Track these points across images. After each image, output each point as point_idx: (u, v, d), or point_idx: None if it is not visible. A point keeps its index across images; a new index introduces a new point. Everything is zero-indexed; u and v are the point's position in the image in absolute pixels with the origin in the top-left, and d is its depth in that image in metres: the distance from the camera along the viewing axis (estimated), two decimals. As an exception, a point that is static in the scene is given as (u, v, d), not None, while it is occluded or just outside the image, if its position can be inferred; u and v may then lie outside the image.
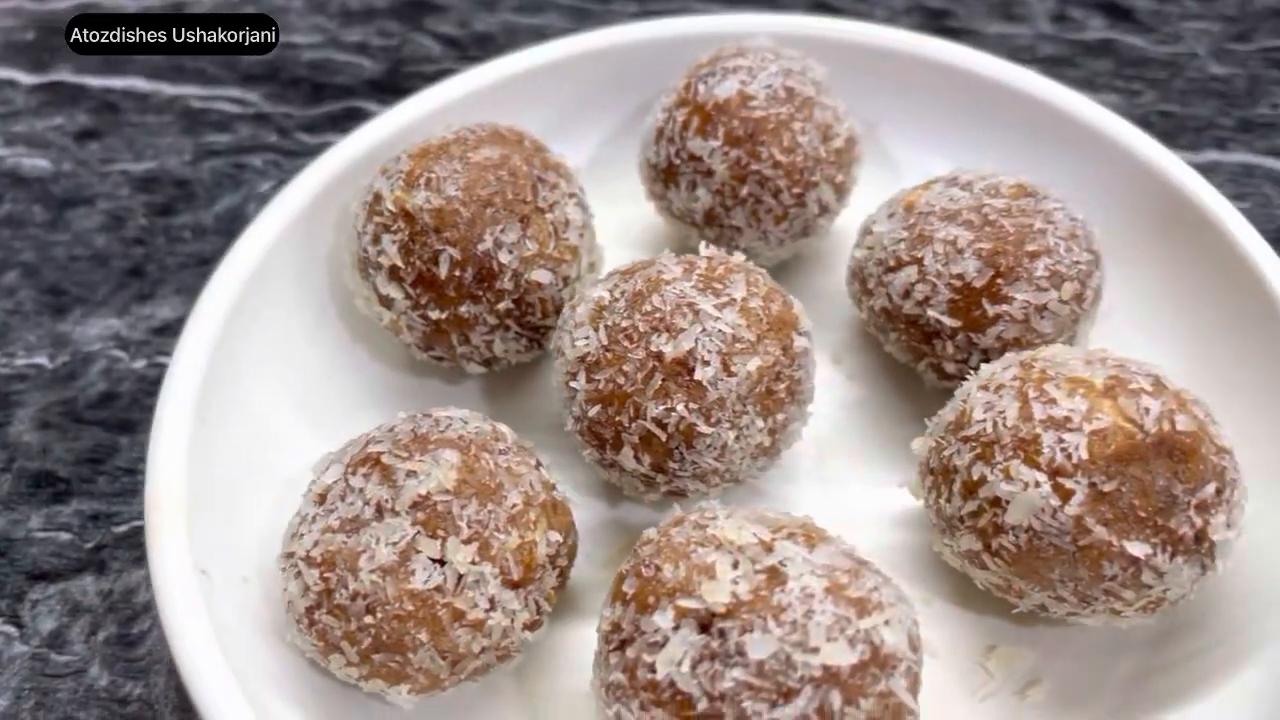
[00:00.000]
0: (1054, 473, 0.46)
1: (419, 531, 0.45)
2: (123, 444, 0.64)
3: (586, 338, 0.51)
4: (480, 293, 0.55)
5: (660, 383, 0.49)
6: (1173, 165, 0.64)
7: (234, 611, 0.50)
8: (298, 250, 0.62)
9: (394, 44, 0.88)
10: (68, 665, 0.55)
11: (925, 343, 0.57)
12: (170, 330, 0.69)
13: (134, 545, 0.60)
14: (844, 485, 0.58)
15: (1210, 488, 0.46)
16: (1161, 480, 0.46)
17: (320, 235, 0.63)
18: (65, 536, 0.60)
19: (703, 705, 0.40)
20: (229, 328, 0.57)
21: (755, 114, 0.59)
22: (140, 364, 0.68)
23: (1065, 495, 0.46)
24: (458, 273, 0.55)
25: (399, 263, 0.55)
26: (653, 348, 0.49)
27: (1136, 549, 0.45)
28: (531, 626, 0.48)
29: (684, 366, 0.49)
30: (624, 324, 0.50)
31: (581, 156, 0.68)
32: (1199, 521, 0.46)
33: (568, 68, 0.70)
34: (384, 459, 0.47)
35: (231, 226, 0.74)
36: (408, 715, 0.50)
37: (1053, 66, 0.83)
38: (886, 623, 0.42)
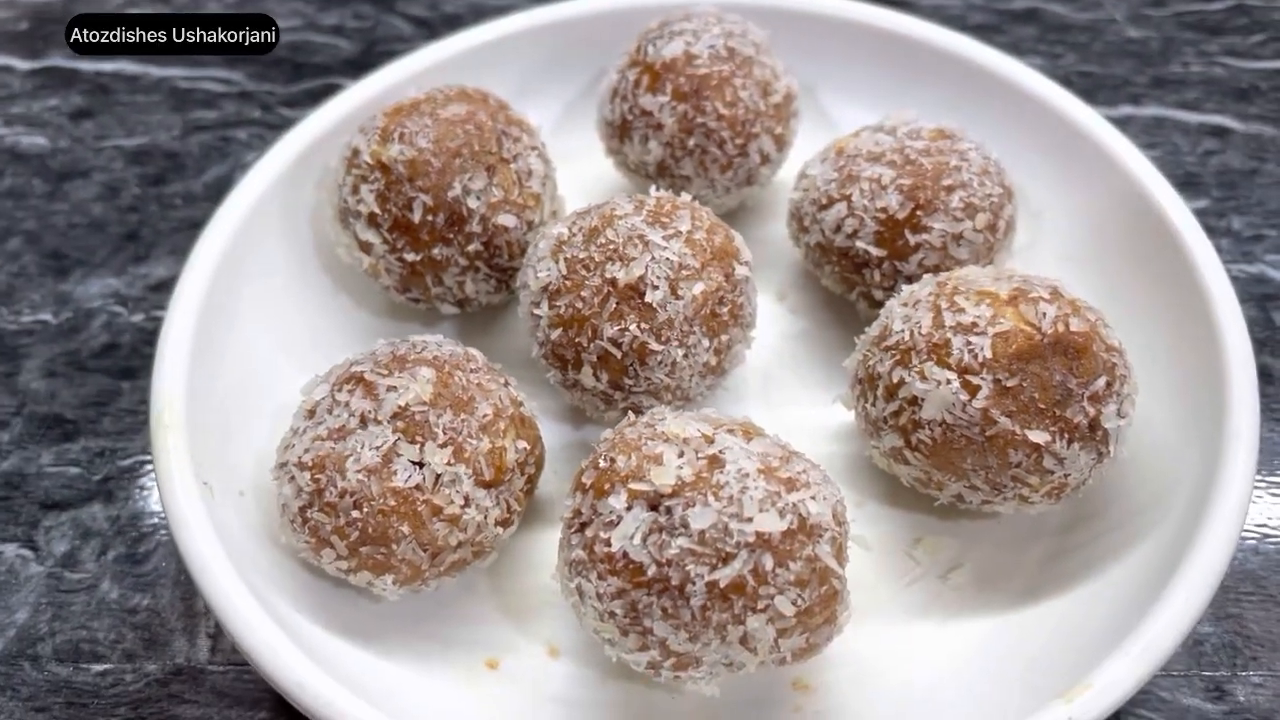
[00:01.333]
0: (962, 371, 0.52)
1: (399, 438, 0.51)
2: (124, 389, 0.70)
3: (548, 269, 0.57)
4: (451, 235, 0.61)
5: (615, 306, 0.55)
6: (1082, 113, 0.69)
7: (231, 520, 0.55)
8: (281, 207, 0.67)
9: (368, 25, 0.94)
10: (80, 582, 0.61)
11: (856, 272, 0.62)
12: (165, 288, 0.74)
13: (138, 476, 0.66)
14: (785, 404, 0.64)
15: (1101, 381, 0.52)
16: (1058, 375, 0.51)
17: (300, 194, 0.68)
18: (74, 470, 0.66)
19: (652, 571, 0.46)
20: (220, 276, 0.62)
21: (700, 71, 0.65)
22: (139, 318, 0.74)
23: (972, 390, 0.51)
24: (430, 218, 0.60)
25: (376, 210, 0.61)
26: (607, 275, 0.55)
27: (1037, 436, 0.51)
28: (503, 524, 0.54)
29: (635, 291, 0.55)
30: (581, 255, 0.56)
31: (544, 119, 0.73)
32: (1091, 411, 0.52)
33: (529, 38, 0.75)
34: (366, 376, 0.53)
35: (220, 194, 0.75)
36: (392, 609, 0.55)
37: (981, 33, 0.89)
38: (813, 498, 0.47)
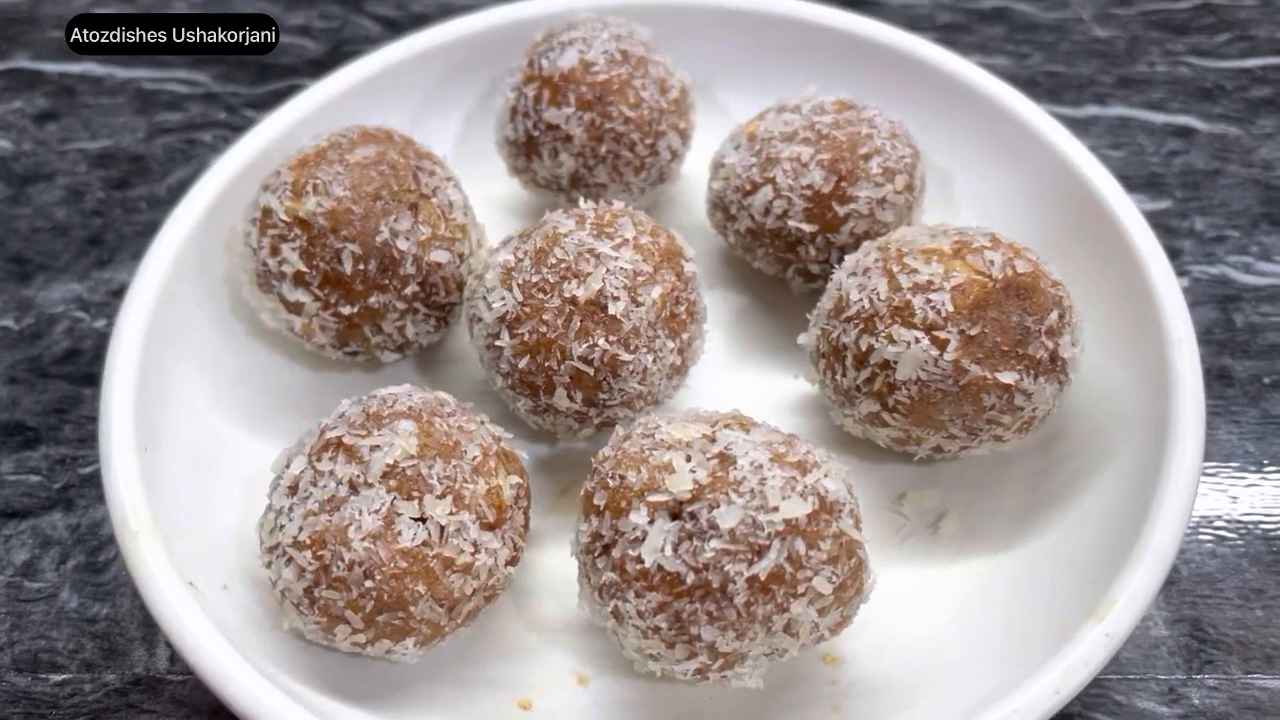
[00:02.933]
0: (928, 328, 0.54)
1: (395, 497, 0.49)
2: (86, 395, 0.70)
3: (502, 298, 0.56)
4: (386, 281, 0.59)
5: (580, 324, 0.54)
6: (975, 74, 0.72)
7: (226, 613, 0.52)
8: (195, 276, 0.64)
9: (335, 26, 0.94)
10: (40, 591, 0.61)
11: (790, 251, 0.64)
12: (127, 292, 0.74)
13: (99, 484, 0.61)
14: (746, 390, 0.64)
15: (1054, 315, 0.55)
16: (1014, 317, 0.54)
17: (212, 259, 0.65)
18: (35, 479, 0.66)
19: (691, 578, 0.46)
20: (148, 354, 0.59)
21: (599, 78, 0.65)
22: (101, 323, 0.74)
23: (941, 345, 0.53)
24: (361, 266, 0.58)
25: (303, 268, 0.58)
26: (566, 294, 0.54)
27: (1007, 377, 0.54)
28: (512, 562, 0.52)
29: (597, 305, 0.54)
30: (534, 279, 0.55)
31: (444, 145, 0.72)
32: (1050, 344, 0.54)
33: (415, 64, 0.74)
34: (345, 440, 0.51)
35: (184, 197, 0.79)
36: (408, 668, 0.53)
37: (949, 33, 0.89)
38: (826, 475, 0.48)
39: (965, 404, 0.54)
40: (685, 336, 0.58)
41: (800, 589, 0.47)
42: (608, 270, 0.55)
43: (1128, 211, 0.63)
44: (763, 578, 0.46)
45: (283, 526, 0.50)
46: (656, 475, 0.48)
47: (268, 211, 0.59)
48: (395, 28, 0.93)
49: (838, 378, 0.58)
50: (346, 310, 0.59)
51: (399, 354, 0.63)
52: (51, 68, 0.90)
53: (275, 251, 0.59)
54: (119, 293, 0.74)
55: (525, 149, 0.67)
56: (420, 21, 0.90)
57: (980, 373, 0.54)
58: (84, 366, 0.71)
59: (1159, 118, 0.84)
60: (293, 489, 0.51)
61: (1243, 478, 0.65)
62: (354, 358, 0.63)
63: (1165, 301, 0.58)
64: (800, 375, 0.62)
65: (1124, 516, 0.53)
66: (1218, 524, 0.63)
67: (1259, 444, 0.66)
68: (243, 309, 0.65)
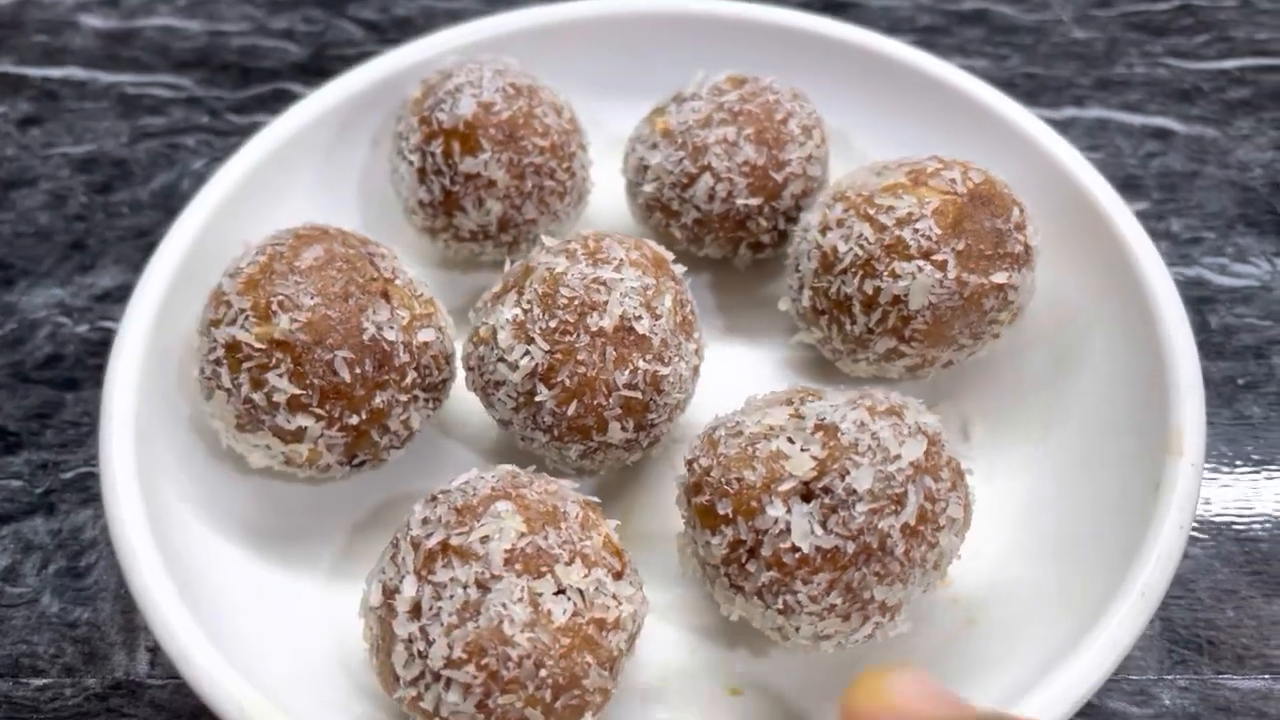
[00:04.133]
0: (926, 255, 0.57)
1: (528, 578, 0.47)
2: (68, 400, 0.70)
3: (525, 353, 0.54)
4: (386, 377, 0.56)
5: (615, 352, 0.54)
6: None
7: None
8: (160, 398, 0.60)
9: (318, 29, 0.93)
10: (20, 596, 0.62)
11: (739, 229, 0.65)
12: (111, 297, 0.75)
13: (80, 489, 0.66)
14: (744, 370, 0.66)
15: (1015, 211, 0.59)
16: (987, 222, 0.58)
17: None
18: (16, 484, 0.66)
19: (851, 548, 0.47)
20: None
21: (504, 116, 0.63)
22: (83, 328, 0.74)
23: (941, 266, 0.57)
24: (359, 370, 0.55)
25: (297, 390, 0.54)
26: (592, 328, 0.54)
27: (999, 277, 0.58)
28: (643, 603, 0.51)
29: (625, 329, 0.54)
30: (553, 324, 0.54)
31: (351, 223, 0.68)
32: (1020, 238, 0.59)
33: (298, 145, 0.69)
34: (451, 542, 0.48)
35: (167, 202, 0.81)
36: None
37: (929, 34, 0.91)
38: (917, 411, 0.51)
39: (970, 313, 0.58)
40: (696, 335, 0.59)
41: (941, 521, 0.49)
42: (621, 294, 0.54)
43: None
44: (912, 522, 0.48)
45: (423, 653, 0.46)
46: (773, 465, 0.49)
47: (234, 346, 0.54)
48: (378, 31, 0.93)
49: (846, 328, 0.60)
50: (354, 420, 0.55)
51: (402, 449, 0.60)
52: (35, 72, 0.90)
53: (258, 384, 0.54)
54: (101, 298, 0.75)
55: (444, 207, 0.65)
56: (403, 24, 0.94)
57: (979, 280, 0.58)
58: (65, 371, 0.71)
59: (1137, 119, 0.85)
60: (414, 611, 0.47)
61: (1215, 478, 0.65)
62: (360, 469, 0.59)
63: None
64: (794, 341, 0.64)
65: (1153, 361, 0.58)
66: (1191, 528, 0.64)
67: (1231, 445, 0.67)
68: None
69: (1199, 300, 0.73)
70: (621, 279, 0.55)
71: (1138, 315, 0.60)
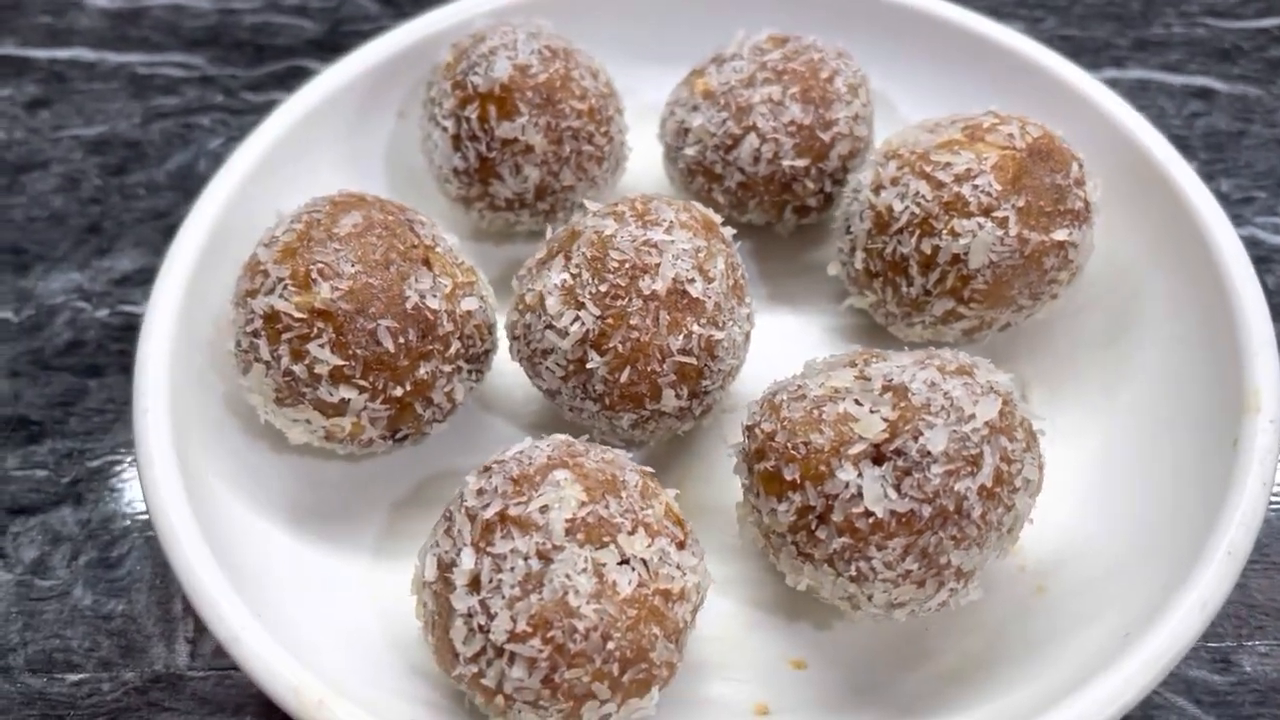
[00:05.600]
0: (986, 212, 0.55)
1: (592, 549, 0.45)
2: (91, 387, 0.68)
3: (575, 319, 0.52)
4: (430, 347, 0.54)
5: (669, 317, 0.52)
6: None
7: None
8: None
9: (332, 5, 0.92)
10: (51, 589, 0.60)
11: (785, 192, 0.63)
12: (130, 280, 0.73)
13: (108, 478, 0.64)
14: (790, 336, 0.64)
15: (1074, 166, 0.57)
16: (1047, 178, 0.56)
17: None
18: (41, 474, 0.64)
19: (927, 511, 0.45)
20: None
21: (540, 78, 0.61)
22: (103, 313, 0.72)
23: (1002, 223, 0.55)
24: (402, 339, 0.53)
25: (339, 361, 0.52)
26: (645, 291, 0.52)
27: (1060, 234, 0.56)
28: (706, 574, 0.50)
29: (678, 293, 0.52)
30: (603, 289, 0.52)
31: (380, 191, 0.66)
32: (1081, 194, 0.57)
33: (322, 116, 0.67)
34: (509, 512, 0.46)
35: (184, 183, 0.79)
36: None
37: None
38: (987, 371, 0.49)
39: (1031, 272, 0.56)
40: (748, 300, 0.57)
41: (1017, 483, 0.47)
42: (673, 256, 0.52)
43: (1174, 162, 0.62)
44: (989, 484, 0.46)
45: (484, 627, 0.44)
46: (841, 428, 0.47)
47: (273, 316, 0.52)
48: (394, 5, 0.91)
49: (902, 290, 0.58)
50: (398, 392, 0.53)
51: (444, 423, 0.58)
52: (40, 54, 0.88)
53: (299, 355, 0.52)
54: (120, 281, 0.73)
55: (480, 174, 0.63)
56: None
57: (1040, 238, 0.56)
58: (87, 357, 0.69)
59: (1178, 79, 0.83)
60: (474, 585, 0.45)
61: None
62: (401, 443, 0.57)
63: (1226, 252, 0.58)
64: (846, 305, 0.62)
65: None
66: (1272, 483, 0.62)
67: None
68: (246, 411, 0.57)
69: (1254, 261, 0.67)
70: (673, 241, 0.53)
71: (1202, 271, 0.58)
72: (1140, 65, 0.84)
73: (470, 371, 0.57)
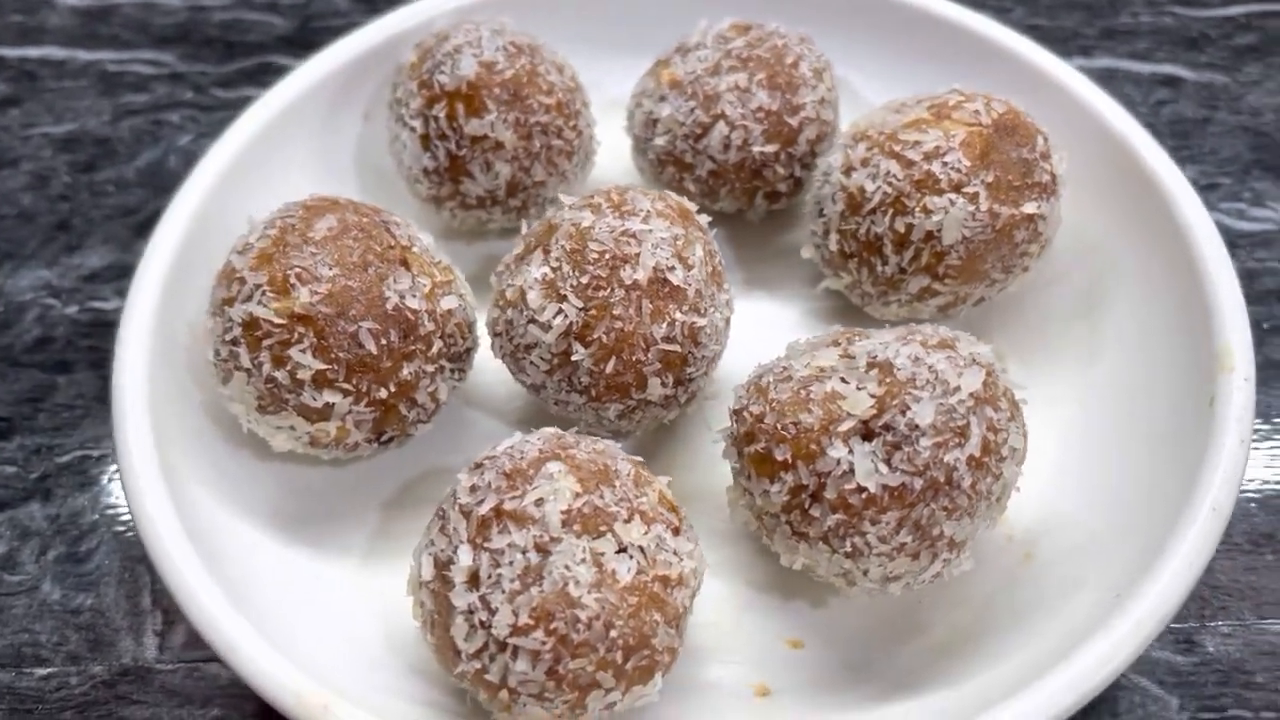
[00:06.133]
0: (957, 188, 0.56)
1: (588, 539, 0.45)
2: (60, 383, 0.68)
3: (559, 312, 0.52)
4: (412, 347, 0.53)
5: (651, 305, 0.52)
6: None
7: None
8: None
9: (303, 1, 0.92)
10: (20, 584, 0.60)
11: (755, 179, 0.64)
12: (99, 277, 0.74)
13: (77, 473, 0.65)
14: (767, 321, 0.64)
15: (1040, 140, 0.58)
16: (1014, 153, 0.57)
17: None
18: (10, 469, 0.65)
19: (919, 484, 0.46)
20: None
21: (507, 75, 0.61)
22: (72, 309, 0.72)
23: (973, 198, 0.56)
24: (384, 341, 0.52)
25: (322, 365, 0.51)
26: (626, 281, 0.52)
27: (1029, 208, 0.57)
28: (702, 559, 0.50)
29: (659, 281, 0.52)
30: (584, 280, 0.52)
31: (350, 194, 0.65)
32: (1047, 168, 0.58)
33: (288, 118, 0.67)
34: (505, 507, 0.46)
35: (154, 180, 0.79)
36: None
37: None
38: (968, 343, 0.50)
39: (1002, 246, 0.57)
40: (726, 286, 0.57)
41: (1004, 451, 0.48)
42: (652, 245, 0.52)
43: (1133, 130, 0.64)
44: (977, 454, 0.46)
45: (485, 623, 0.44)
46: (830, 406, 0.47)
47: (252, 323, 0.52)
48: (365, 1, 0.91)
49: (877, 270, 0.59)
50: (382, 394, 0.53)
51: (429, 423, 0.58)
52: (10, 52, 0.88)
53: (280, 361, 0.51)
54: (89, 278, 0.74)
55: (450, 173, 0.62)
56: None
57: (1010, 212, 0.56)
58: (56, 354, 0.70)
59: (1145, 68, 0.84)
60: (472, 581, 0.45)
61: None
62: (386, 446, 0.57)
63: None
64: (822, 287, 0.63)
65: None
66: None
67: (1262, 390, 0.64)
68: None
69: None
70: (650, 230, 0.53)
71: (1168, 237, 0.59)
72: (1108, 54, 0.85)
73: (453, 370, 0.57)
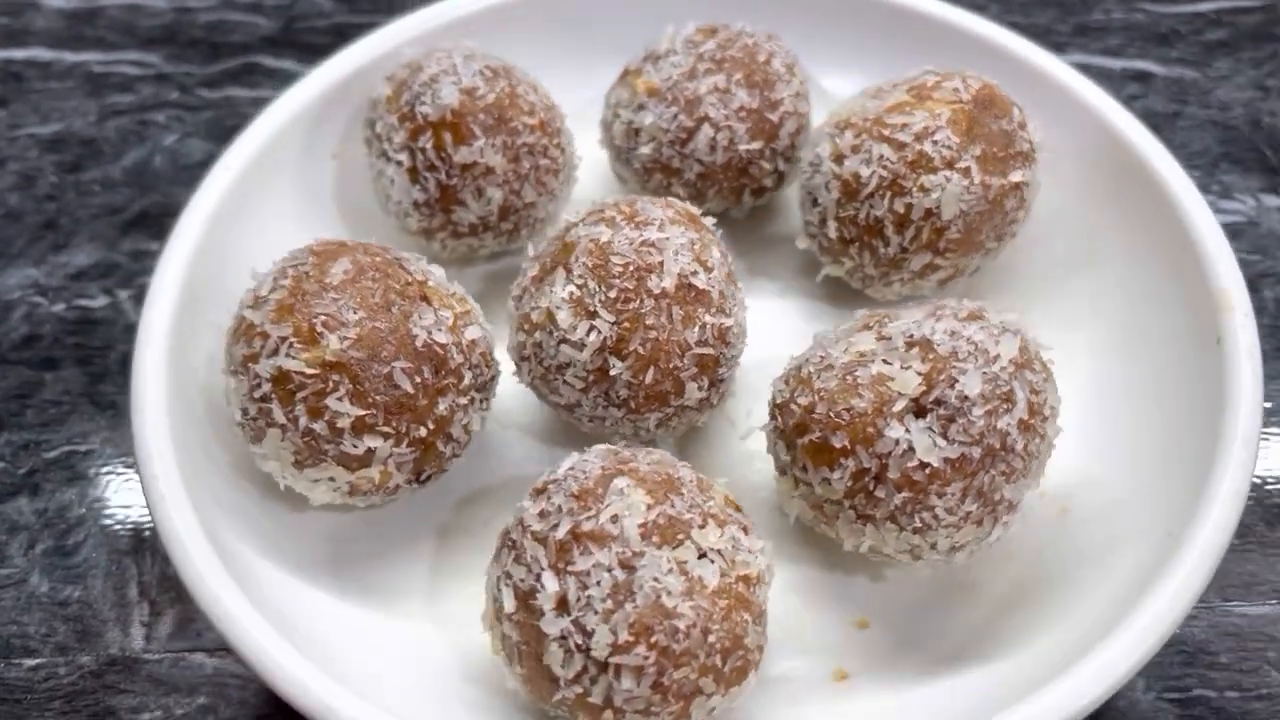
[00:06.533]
0: (950, 165, 0.58)
1: (668, 547, 0.45)
2: (47, 380, 0.70)
3: (591, 329, 0.52)
4: (446, 382, 0.53)
5: (682, 312, 0.52)
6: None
7: None
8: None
9: (287, 2, 0.93)
10: (9, 577, 0.61)
11: (744, 176, 0.65)
12: (85, 275, 0.75)
13: (64, 468, 0.66)
14: (769, 313, 0.65)
15: (1015, 111, 0.61)
16: (994, 125, 0.59)
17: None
18: None
19: (977, 453, 0.47)
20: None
21: (490, 99, 0.61)
22: (59, 307, 0.73)
23: (966, 173, 0.58)
24: (418, 379, 0.52)
25: (361, 411, 0.50)
26: (654, 291, 0.52)
27: (1017, 176, 0.59)
28: (772, 554, 0.50)
29: (686, 286, 0.53)
30: (612, 295, 0.52)
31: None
32: (1026, 136, 0.61)
33: (260, 168, 0.65)
34: (581, 529, 0.46)
35: (140, 179, 0.81)
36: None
37: None
38: (994, 313, 0.51)
39: (995, 216, 0.59)
40: (739, 283, 0.58)
41: (1046, 411, 0.50)
42: (674, 252, 0.53)
43: (1097, 96, 0.67)
44: (1025, 418, 0.48)
45: (582, 646, 0.44)
46: (880, 389, 0.49)
47: (283, 377, 0.50)
48: (348, 1, 0.92)
49: (879, 251, 0.60)
50: (421, 432, 0.52)
51: (461, 456, 0.57)
52: None
53: (317, 412, 0.50)
54: (76, 276, 0.75)
55: (441, 203, 0.62)
56: None
57: (1000, 182, 0.59)
58: (43, 351, 0.71)
59: (1117, 64, 0.86)
60: (562, 605, 0.45)
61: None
62: (424, 485, 0.56)
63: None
64: (822, 275, 0.64)
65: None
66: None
67: None
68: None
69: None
70: (668, 238, 0.53)
71: (1142, 190, 0.62)
72: (1080, 50, 0.87)
73: (481, 400, 0.56)
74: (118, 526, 0.63)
